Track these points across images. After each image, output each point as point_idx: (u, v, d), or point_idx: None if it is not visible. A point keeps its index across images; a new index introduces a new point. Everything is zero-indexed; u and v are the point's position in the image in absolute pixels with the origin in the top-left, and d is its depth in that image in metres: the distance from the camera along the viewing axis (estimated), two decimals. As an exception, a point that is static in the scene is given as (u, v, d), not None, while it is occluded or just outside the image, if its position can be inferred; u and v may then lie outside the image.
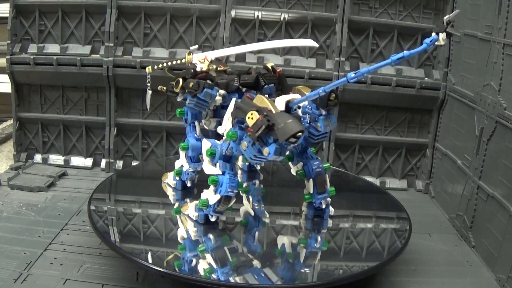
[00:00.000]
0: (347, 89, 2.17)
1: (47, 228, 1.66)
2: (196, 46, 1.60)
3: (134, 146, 2.34)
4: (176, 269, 1.27)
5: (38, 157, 2.33)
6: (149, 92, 1.56)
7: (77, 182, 2.12)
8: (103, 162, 2.30)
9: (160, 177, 1.78)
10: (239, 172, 1.73)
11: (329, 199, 1.50)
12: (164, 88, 1.52)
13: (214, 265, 1.28)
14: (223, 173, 1.35)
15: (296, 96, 1.30)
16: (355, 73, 1.15)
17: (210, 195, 1.37)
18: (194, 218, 1.46)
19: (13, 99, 2.27)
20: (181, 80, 1.46)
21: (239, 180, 1.41)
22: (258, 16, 2.20)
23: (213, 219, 1.42)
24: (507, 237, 1.51)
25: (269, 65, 1.53)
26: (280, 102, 1.27)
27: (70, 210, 1.82)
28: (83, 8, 2.19)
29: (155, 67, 1.58)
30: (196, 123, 1.55)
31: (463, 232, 1.82)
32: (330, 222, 1.53)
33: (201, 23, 2.22)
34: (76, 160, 2.34)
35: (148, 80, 1.55)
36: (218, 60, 1.57)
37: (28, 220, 1.72)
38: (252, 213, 1.58)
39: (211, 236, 1.42)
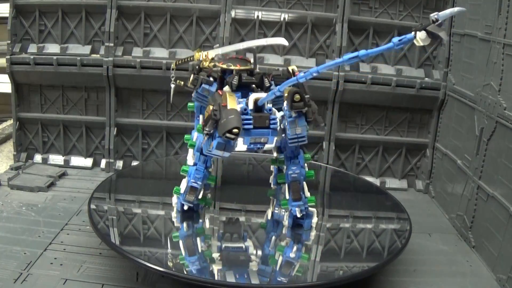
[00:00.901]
0: (347, 89, 2.17)
1: (47, 228, 1.66)
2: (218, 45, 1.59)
3: (134, 146, 2.34)
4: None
5: (38, 157, 2.33)
6: (172, 86, 1.57)
7: (77, 182, 2.12)
8: (103, 162, 2.30)
9: (160, 177, 1.78)
10: (272, 175, 1.69)
11: (313, 210, 1.46)
12: (182, 82, 1.53)
13: (183, 253, 1.35)
14: (194, 164, 1.41)
15: (262, 94, 1.30)
16: (304, 73, 1.17)
17: (182, 184, 1.47)
18: (173, 205, 1.53)
19: (13, 99, 2.27)
20: (192, 75, 1.49)
21: None
22: (258, 16, 2.20)
23: (185, 208, 1.50)
24: (507, 237, 1.51)
25: (290, 68, 1.49)
26: (251, 100, 1.30)
27: (70, 210, 1.82)
28: (83, 8, 2.19)
29: (178, 62, 1.61)
30: (201, 116, 1.56)
31: (463, 232, 1.82)
32: (312, 235, 1.47)
33: (201, 23, 2.22)
34: (76, 160, 2.34)
35: (172, 75, 1.56)
36: (237, 59, 1.54)
37: (28, 220, 1.72)
38: (269, 217, 1.58)
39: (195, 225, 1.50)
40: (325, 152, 2.26)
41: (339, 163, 2.31)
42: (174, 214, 1.54)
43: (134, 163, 2.32)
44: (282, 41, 1.55)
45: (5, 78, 2.34)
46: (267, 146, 1.35)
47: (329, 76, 2.16)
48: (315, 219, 1.48)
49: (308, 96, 1.34)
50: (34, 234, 1.62)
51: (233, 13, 2.18)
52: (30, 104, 2.31)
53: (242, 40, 2.20)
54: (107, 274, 1.43)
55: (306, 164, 1.45)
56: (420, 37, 1.08)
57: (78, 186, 2.06)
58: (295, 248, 1.41)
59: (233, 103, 1.28)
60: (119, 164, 2.31)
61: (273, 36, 2.21)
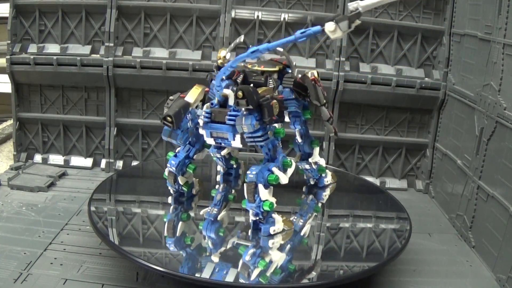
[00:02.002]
0: (347, 89, 2.17)
1: (47, 228, 1.67)
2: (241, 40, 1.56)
3: (134, 146, 2.34)
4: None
5: (38, 157, 2.33)
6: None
7: (77, 182, 2.12)
8: (103, 162, 2.30)
9: (159, 176, 1.78)
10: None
11: (276, 217, 1.39)
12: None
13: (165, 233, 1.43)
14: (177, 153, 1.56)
15: (229, 91, 1.34)
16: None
17: None
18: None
19: (13, 99, 2.27)
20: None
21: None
22: (258, 16, 2.20)
23: (171, 191, 1.63)
24: (507, 237, 1.51)
25: (309, 73, 1.50)
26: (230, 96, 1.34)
27: (70, 210, 1.82)
28: (83, 8, 2.19)
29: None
30: None
31: (463, 232, 1.82)
32: (271, 242, 1.37)
33: (201, 23, 2.22)
34: (76, 160, 2.34)
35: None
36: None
37: (28, 220, 1.72)
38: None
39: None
40: (325, 152, 2.26)
41: (339, 163, 2.31)
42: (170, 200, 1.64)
43: (134, 163, 2.32)
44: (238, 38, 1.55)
45: (5, 78, 2.34)
46: (233, 144, 1.34)
47: (329, 76, 2.16)
48: (277, 227, 1.40)
49: (316, 97, 1.47)
50: (34, 234, 1.62)
51: (233, 13, 2.18)
52: (30, 104, 2.31)
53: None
54: (107, 274, 1.43)
55: (277, 169, 1.37)
56: (329, 29, 1.11)
57: (78, 186, 2.06)
58: (251, 251, 1.35)
59: (193, 95, 1.35)
60: (119, 164, 2.31)
61: (273, 36, 2.21)
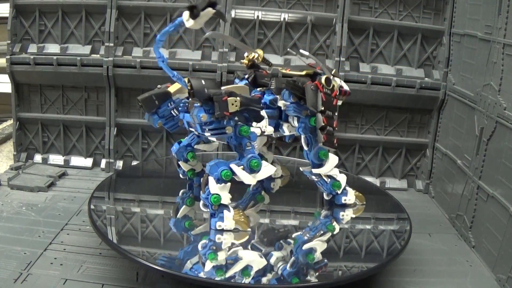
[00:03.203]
0: (347, 89, 2.17)
1: (47, 228, 1.66)
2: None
3: (134, 146, 2.34)
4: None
5: (38, 157, 2.33)
6: None
7: (77, 182, 2.12)
8: (103, 162, 2.30)
9: (160, 175, 1.79)
10: None
11: (224, 214, 1.38)
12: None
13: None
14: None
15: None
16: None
17: None
18: None
19: (13, 99, 2.28)
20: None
21: None
22: (258, 16, 2.20)
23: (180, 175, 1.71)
24: (507, 237, 1.51)
25: (320, 78, 1.46)
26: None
27: (70, 210, 1.82)
28: (83, 8, 2.19)
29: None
30: None
31: (463, 232, 1.82)
32: (217, 237, 1.36)
33: (201, 23, 2.21)
34: (76, 160, 2.34)
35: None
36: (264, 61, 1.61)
37: (28, 220, 1.72)
38: None
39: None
40: (325, 152, 2.25)
41: (339, 163, 2.29)
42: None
43: (134, 163, 2.32)
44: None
45: (5, 78, 2.34)
46: (206, 134, 1.38)
47: (329, 76, 2.16)
48: (225, 223, 1.39)
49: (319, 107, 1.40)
50: (34, 234, 1.62)
51: (233, 13, 2.18)
52: (30, 104, 2.31)
53: (242, 41, 2.20)
54: (107, 274, 1.43)
55: (236, 167, 1.36)
56: (185, 18, 1.15)
57: (78, 186, 2.06)
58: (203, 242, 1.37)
59: (175, 86, 1.46)
60: (119, 164, 2.31)
61: (273, 36, 2.21)
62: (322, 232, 1.49)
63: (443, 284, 1.50)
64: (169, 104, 1.46)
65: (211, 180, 1.35)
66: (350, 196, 1.60)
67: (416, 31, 2.20)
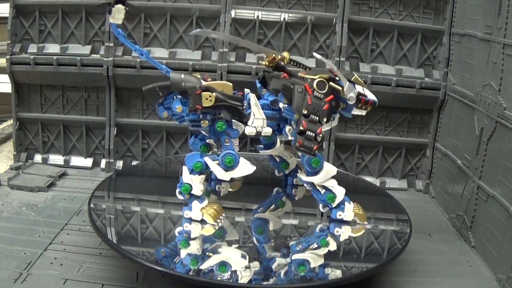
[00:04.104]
0: (347, 89, 2.17)
1: (47, 228, 1.66)
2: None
3: (134, 146, 2.34)
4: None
5: (38, 157, 2.33)
6: None
7: (77, 182, 2.12)
8: (103, 162, 2.30)
9: (159, 175, 1.79)
10: None
11: (192, 205, 1.44)
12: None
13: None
14: None
15: None
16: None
17: None
18: None
19: (13, 99, 2.27)
20: None
21: None
22: (258, 16, 2.20)
23: None
24: (507, 237, 1.51)
25: (311, 80, 1.42)
26: None
27: (70, 210, 1.82)
28: (83, 8, 2.19)
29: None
30: None
31: (463, 232, 1.82)
32: (185, 225, 1.44)
33: (201, 23, 2.22)
34: (76, 160, 2.34)
35: None
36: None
37: (28, 220, 1.72)
38: None
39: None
40: (325, 152, 2.25)
41: (339, 163, 2.31)
42: None
43: (134, 163, 2.32)
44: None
45: (5, 78, 2.34)
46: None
47: (329, 76, 2.16)
48: (192, 213, 1.45)
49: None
50: (34, 234, 1.62)
51: (233, 13, 2.18)
52: (30, 104, 2.31)
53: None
54: (107, 274, 1.43)
55: (210, 161, 1.43)
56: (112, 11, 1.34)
57: (78, 186, 2.06)
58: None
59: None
60: (119, 164, 2.31)
61: (273, 36, 2.21)
62: (316, 245, 1.42)
63: (443, 284, 1.50)
64: (174, 96, 1.47)
65: (185, 170, 1.44)
66: (347, 213, 1.48)
67: (416, 31, 2.20)
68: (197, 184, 1.43)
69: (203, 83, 1.41)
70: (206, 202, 1.47)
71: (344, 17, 2.16)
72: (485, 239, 1.65)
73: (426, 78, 2.21)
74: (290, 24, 2.21)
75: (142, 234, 1.47)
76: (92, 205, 1.56)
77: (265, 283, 1.25)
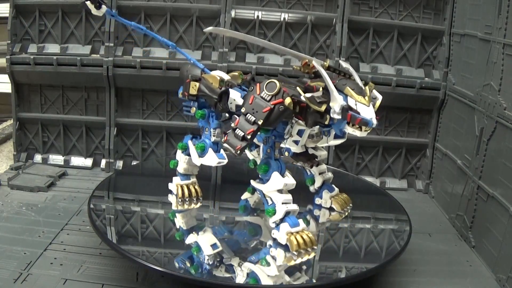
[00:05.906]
0: (347, 89, 2.17)
1: (47, 228, 1.66)
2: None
3: (134, 146, 2.34)
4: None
5: (38, 157, 2.33)
6: None
7: (77, 182, 2.12)
8: (103, 162, 2.30)
9: (159, 175, 1.79)
10: None
11: (174, 177, 1.64)
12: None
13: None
14: None
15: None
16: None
17: None
18: None
19: (13, 99, 2.27)
20: None
21: None
22: (258, 16, 2.20)
23: None
24: (507, 237, 1.51)
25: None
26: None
27: (70, 210, 1.82)
28: (83, 8, 2.19)
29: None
30: None
31: (463, 232, 1.82)
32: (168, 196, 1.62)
33: (201, 23, 2.22)
34: (76, 160, 2.34)
35: None
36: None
37: (28, 220, 1.72)
38: None
39: None
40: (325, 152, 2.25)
41: (339, 163, 2.31)
42: None
43: (134, 163, 2.32)
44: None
45: (5, 78, 2.34)
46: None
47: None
48: (170, 185, 1.64)
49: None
50: (34, 234, 1.62)
51: (233, 13, 2.18)
52: (30, 104, 2.31)
53: (242, 41, 2.20)
54: (107, 274, 1.43)
55: (192, 145, 1.54)
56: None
57: (78, 186, 2.06)
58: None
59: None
60: (119, 164, 2.31)
61: (273, 35, 2.21)
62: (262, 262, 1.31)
63: (443, 284, 1.50)
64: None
65: (179, 151, 1.62)
66: (280, 235, 1.32)
67: (416, 31, 2.20)
68: (181, 162, 1.61)
69: (202, 75, 1.53)
70: (186, 180, 1.63)
71: (344, 17, 2.16)
72: (485, 239, 1.65)
73: (426, 78, 2.21)
74: (290, 24, 2.21)
75: (142, 234, 1.47)
76: (92, 205, 1.56)
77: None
